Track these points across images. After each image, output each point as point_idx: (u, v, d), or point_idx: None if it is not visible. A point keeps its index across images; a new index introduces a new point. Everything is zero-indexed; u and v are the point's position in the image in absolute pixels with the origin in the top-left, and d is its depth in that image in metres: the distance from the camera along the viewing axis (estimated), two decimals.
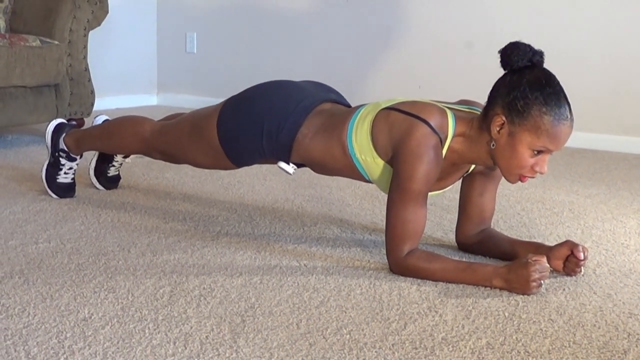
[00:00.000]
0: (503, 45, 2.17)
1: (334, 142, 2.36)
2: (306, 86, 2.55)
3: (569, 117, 2.10)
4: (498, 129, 2.15)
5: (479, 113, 2.29)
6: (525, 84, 2.11)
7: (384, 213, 2.89)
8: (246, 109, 2.48)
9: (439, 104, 2.28)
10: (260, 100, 2.49)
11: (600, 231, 2.80)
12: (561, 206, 3.18)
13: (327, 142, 2.38)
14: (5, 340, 1.72)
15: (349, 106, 2.56)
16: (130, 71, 6.33)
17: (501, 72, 2.20)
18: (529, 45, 2.14)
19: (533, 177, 2.21)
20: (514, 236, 2.61)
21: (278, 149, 2.44)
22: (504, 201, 3.18)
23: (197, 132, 2.57)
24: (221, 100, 2.67)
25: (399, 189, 2.20)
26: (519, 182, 2.21)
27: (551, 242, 2.58)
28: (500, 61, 2.17)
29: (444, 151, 2.24)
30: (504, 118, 2.13)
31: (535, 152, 2.13)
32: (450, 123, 2.23)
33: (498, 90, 2.16)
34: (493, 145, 2.18)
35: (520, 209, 3.11)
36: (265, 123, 2.43)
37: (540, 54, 2.14)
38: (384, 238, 2.58)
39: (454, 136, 2.24)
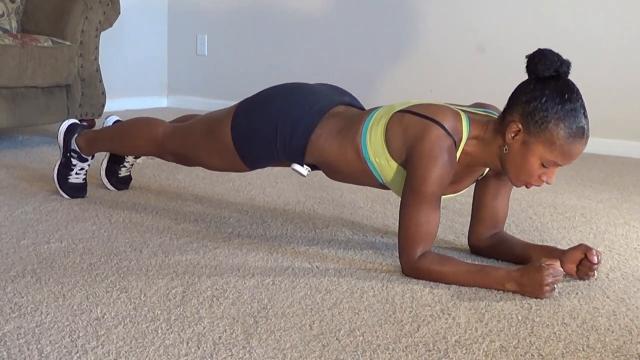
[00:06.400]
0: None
1: (348, 145, 2.36)
2: (320, 89, 2.55)
3: (584, 135, 2.10)
4: (513, 135, 2.14)
5: (494, 116, 2.28)
6: (547, 95, 2.08)
7: (396, 216, 2.89)
8: (260, 111, 2.48)
9: (452, 107, 2.28)
10: (274, 103, 2.48)
11: (612, 236, 2.79)
12: (573, 211, 3.17)
13: (341, 145, 2.37)
14: (18, 338, 1.72)
15: (363, 109, 2.56)
16: (140, 73, 6.35)
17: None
18: (557, 55, 2.11)
19: (538, 186, 2.21)
20: (526, 240, 2.59)
21: (292, 151, 2.44)
22: (516, 205, 3.17)
23: (210, 134, 2.57)
24: (231, 102, 2.67)
25: (412, 191, 2.19)
26: (525, 187, 2.21)
27: (564, 246, 2.57)
28: (526, 67, 2.14)
29: (458, 154, 2.23)
30: (520, 126, 2.12)
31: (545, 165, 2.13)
32: (465, 126, 2.23)
33: (519, 97, 2.14)
34: (506, 150, 2.17)
35: (532, 213, 3.10)
36: (279, 125, 2.43)
37: (567, 65, 2.12)
38: (395, 241, 2.57)
39: (467, 139, 2.24)
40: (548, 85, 2.10)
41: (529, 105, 2.11)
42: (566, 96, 2.09)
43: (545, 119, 2.08)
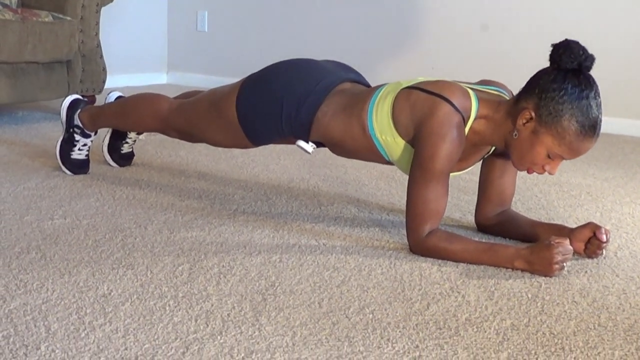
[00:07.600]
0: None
1: (354, 122, 2.33)
2: (326, 65, 2.52)
3: (595, 133, 2.08)
4: (524, 122, 2.12)
5: (504, 96, 2.26)
6: (566, 89, 2.06)
7: (401, 193, 2.88)
8: (266, 87, 2.46)
9: (461, 85, 2.25)
10: (280, 79, 2.46)
11: (619, 214, 2.78)
12: (579, 189, 3.15)
13: (347, 122, 2.35)
14: (25, 315, 1.71)
15: (369, 86, 2.53)
16: (140, 49, 6.30)
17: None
18: (583, 48, 2.08)
19: (540, 174, 2.19)
20: (533, 218, 2.58)
21: (297, 127, 2.42)
22: (521, 183, 3.15)
23: (215, 110, 2.55)
24: (231, 80, 2.64)
25: (420, 168, 2.17)
26: (527, 172, 2.21)
27: (570, 224, 2.55)
28: (550, 56, 2.10)
29: (466, 131, 2.21)
30: (533, 114, 2.10)
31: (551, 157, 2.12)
32: (473, 104, 2.20)
33: (538, 85, 2.11)
34: (515, 135, 2.15)
35: (537, 191, 3.08)
36: (285, 101, 2.40)
37: (591, 60, 2.08)
38: (401, 218, 2.56)
39: (476, 118, 2.21)
40: (568, 78, 2.07)
41: (546, 95, 2.08)
42: (584, 93, 2.06)
43: (560, 112, 2.06)
